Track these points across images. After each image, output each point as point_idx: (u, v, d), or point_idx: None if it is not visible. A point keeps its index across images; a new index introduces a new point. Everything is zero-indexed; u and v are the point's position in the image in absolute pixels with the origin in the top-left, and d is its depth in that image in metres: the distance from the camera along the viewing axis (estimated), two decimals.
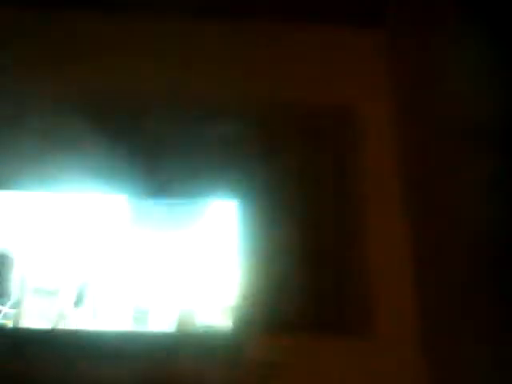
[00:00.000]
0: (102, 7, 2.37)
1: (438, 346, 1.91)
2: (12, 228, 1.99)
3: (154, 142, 2.19)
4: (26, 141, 2.13)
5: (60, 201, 2.06)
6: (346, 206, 2.16)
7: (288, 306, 2.00)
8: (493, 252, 1.56)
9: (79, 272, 1.93)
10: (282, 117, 2.27)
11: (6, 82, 2.21)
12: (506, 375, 1.48)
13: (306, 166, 2.21)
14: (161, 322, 1.95)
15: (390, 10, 2.35)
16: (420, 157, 2.11)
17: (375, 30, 2.46)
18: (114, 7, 2.37)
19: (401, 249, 2.12)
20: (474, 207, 1.68)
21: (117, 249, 2.01)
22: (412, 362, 1.97)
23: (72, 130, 2.13)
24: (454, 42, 1.82)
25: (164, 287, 1.95)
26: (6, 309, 1.89)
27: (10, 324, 1.88)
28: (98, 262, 1.95)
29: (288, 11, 2.39)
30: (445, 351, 1.86)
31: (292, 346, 1.94)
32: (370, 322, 2.00)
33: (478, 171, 1.65)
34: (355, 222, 2.14)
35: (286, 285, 2.02)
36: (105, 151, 2.09)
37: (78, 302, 1.90)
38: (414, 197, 2.13)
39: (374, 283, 2.06)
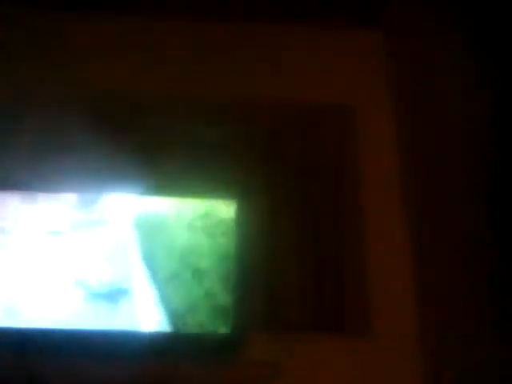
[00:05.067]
0: (102, 7, 2.37)
1: (438, 346, 1.91)
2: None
3: (154, 141, 2.19)
4: (26, 141, 2.13)
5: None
6: (346, 206, 2.16)
7: (288, 305, 2.00)
8: (493, 252, 1.56)
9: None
10: (281, 117, 2.27)
11: (6, 82, 2.21)
12: (506, 375, 1.48)
13: (305, 166, 2.21)
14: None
15: (390, 9, 2.35)
16: (420, 157, 2.11)
17: (375, 29, 2.46)
18: (114, 7, 2.37)
19: (401, 249, 2.12)
20: (474, 207, 1.68)
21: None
22: (412, 361, 1.97)
23: (72, 129, 2.13)
24: (454, 40, 1.82)
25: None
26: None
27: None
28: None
29: (288, 11, 2.39)
30: (445, 351, 1.86)
31: (292, 346, 1.94)
32: (369, 322, 2.00)
33: (479, 171, 1.65)
34: (355, 221, 2.14)
35: (285, 285, 2.02)
36: (105, 151, 2.09)
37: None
38: (414, 197, 2.13)
39: (373, 283, 2.06)
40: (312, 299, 2.02)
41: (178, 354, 1.89)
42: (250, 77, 2.34)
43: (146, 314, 1.92)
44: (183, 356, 1.88)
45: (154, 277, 1.95)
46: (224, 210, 1.98)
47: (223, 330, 1.89)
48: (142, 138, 2.19)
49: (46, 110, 2.18)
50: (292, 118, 2.28)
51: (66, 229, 1.97)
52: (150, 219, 2.02)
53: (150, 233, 2.01)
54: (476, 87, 1.67)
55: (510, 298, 1.48)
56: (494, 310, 1.55)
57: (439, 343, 1.91)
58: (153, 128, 2.22)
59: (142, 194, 2.06)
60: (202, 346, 1.90)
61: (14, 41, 2.31)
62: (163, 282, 1.91)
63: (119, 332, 1.88)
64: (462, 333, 1.74)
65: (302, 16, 2.41)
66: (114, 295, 1.89)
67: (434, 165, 1.98)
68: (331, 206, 2.16)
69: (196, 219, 1.97)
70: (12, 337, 1.85)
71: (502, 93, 1.53)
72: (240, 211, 2.04)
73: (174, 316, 1.88)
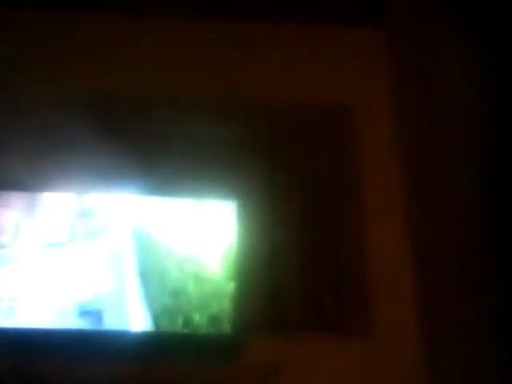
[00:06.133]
0: (102, 8, 2.37)
1: (437, 346, 1.91)
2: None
3: (154, 141, 2.19)
4: (26, 141, 2.13)
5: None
6: (346, 206, 2.16)
7: (288, 306, 2.00)
8: (494, 251, 1.56)
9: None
10: (281, 117, 2.27)
11: (6, 82, 2.21)
12: (507, 375, 1.49)
13: (306, 166, 2.21)
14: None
15: (390, 9, 2.35)
16: (420, 156, 2.11)
17: (375, 29, 2.46)
18: (114, 8, 2.38)
19: (401, 249, 2.12)
20: (473, 206, 1.68)
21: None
22: (412, 362, 1.97)
23: (72, 129, 2.13)
24: (454, 41, 1.82)
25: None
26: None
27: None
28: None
29: (288, 12, 2.39)
30: (445, 351, 1.86)
31: (292, 346, 1.94)
32: (369, 322, 2.00)
33: (478, 171, 1.65)
34: (355, 221, 2.14)
35: (285, 285, 2.02)
36: (105, 151, 2.09)
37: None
38: (414, 196, 2.13)
39: (373, 284, 2.06)
40: (312, 299, 2.01)
41: (178, 354, 1.89)
42: (251, 77, 2.34)
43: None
44: (183, 356, 1.88)
45: (148, 302, 1.92)
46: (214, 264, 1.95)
47: (224, 330, 1.89)
48: (141, 139, 2.19)
49: (45, 110, 2.18)
50: (292, 118, 2.28)
51: (65, 240, 1.96)
52: (147, 239, 1.99)
53: (146, 253, 1.98)
54: (476, 87, 1.67)
55: (510, 298, 1.48)
56: (493, 310, 1.55)
57: (439, 343, 1.91)
58: (153, 128, 2.22)
59: (142, 194, 2.05)
60: (203, 347, 1.90)
61: (14, 41, 2.31)
62: (157, 313, 1.87)
63: (119, 332, 1.88)
64: (462, 333, 1.74)
65: (302, 16, 2.41)
66: (100, 315, 1.88)
67: (433, 165, 1.98)
68: (331, 206, 2.16)
69: (186, 261, 1.93)
70: (12, 337, 1.85)
71: (502, 93, 1.53)
72: (240, 212, 2.04)
73: None
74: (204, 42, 2.38)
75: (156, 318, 1.88)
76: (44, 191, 2.05)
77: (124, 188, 2.05)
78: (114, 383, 1.83)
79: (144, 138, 2.19)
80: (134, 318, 1.88)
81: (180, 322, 1.88)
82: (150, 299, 1.90)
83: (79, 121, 2.12)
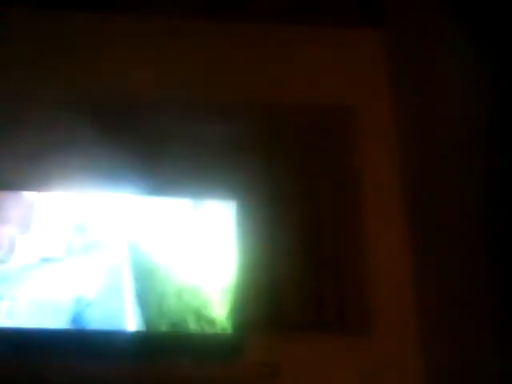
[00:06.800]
0: (102, 8, 2.37)
1: (437, 345, 1.91)
2: None
3: (154, 141, 2.19)
4: (26, 141, 2.13)
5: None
6: (346, 206, 2.16)
7: (288, 305, 2.00)
8: (493, 252, 1.56)
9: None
10: (281, 117, 2.27)
11: (6, 82, 2.21)
12: (506, 375, 1.49)
13: (305, 166, 2.21)
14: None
15: (390, 10, 2.36)
16: (420, 157, 2.11)
17: (375, 30, 2.47)
18: (115, 7, 2.38)
19: (400, 249, 2.13)
20: (473, 207, 1.68)
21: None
22: (412, 361, 1.97)
23: (71, 130, 2.13)
24: (454, 41, 1.82)
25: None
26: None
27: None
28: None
29: (288, 12, 2.39)
30: (445, 351, 1.86)
31: (292, 346, 1.94)
32: (369, 322, 2.00)
33: (478, 171, 1.65)
34: (355, 222, 2.14)
35: (285, 285, 2.02)
36: (105, 151, 2.09)
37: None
38: (414, 197, 2.13)
39: (373, 283, 2.06)
40: (312, 299, 2.02)
41: (178, 354, 1.89)
42: (250, 77, 2.34)
43: None
44: (183, 356, 1.88)
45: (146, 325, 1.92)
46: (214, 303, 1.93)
47: (224, 330, 1.89)
48: (141, 138, 2.19)
49: (45, 110, 2.18)
50: (292, 118, 2.28)
51: (61, 255, 1.95)
52: (144, 254, 1.98)
53: (142, 272, 1.96)
54: (476, 87, 1.67)
55: (510, 298, 1.48)
56: (494, 310, 1.55)
57: (439, 343, 1.91)
58: (152, 128, 2.22)
59: (141, 194, 2.05)
60: (203, 346, 1.90)
61: (14, 41, 2.31)
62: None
63: (119, 332, 1.88)
64: (463, 333, 1.74)
65: (303, 16, 2.41)
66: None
67: (433, 165, 1.98)
68: (331, 206, 2.16)
69: (183, 292, 1.91)
70: (12, 337, 1.85)
71: (502, 93, 1.53)
72: (240, 212, 2.04)
73: None
74: (204, 42, 2.39)
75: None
76: (43, 191, 2.05)
77: (123, 188, 2.05)
78: (114, 383, 1.83)
79: (143, 137, 2.19)
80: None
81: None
82: (148, 324, 1.90)
83: (79, 121, 2.12)
